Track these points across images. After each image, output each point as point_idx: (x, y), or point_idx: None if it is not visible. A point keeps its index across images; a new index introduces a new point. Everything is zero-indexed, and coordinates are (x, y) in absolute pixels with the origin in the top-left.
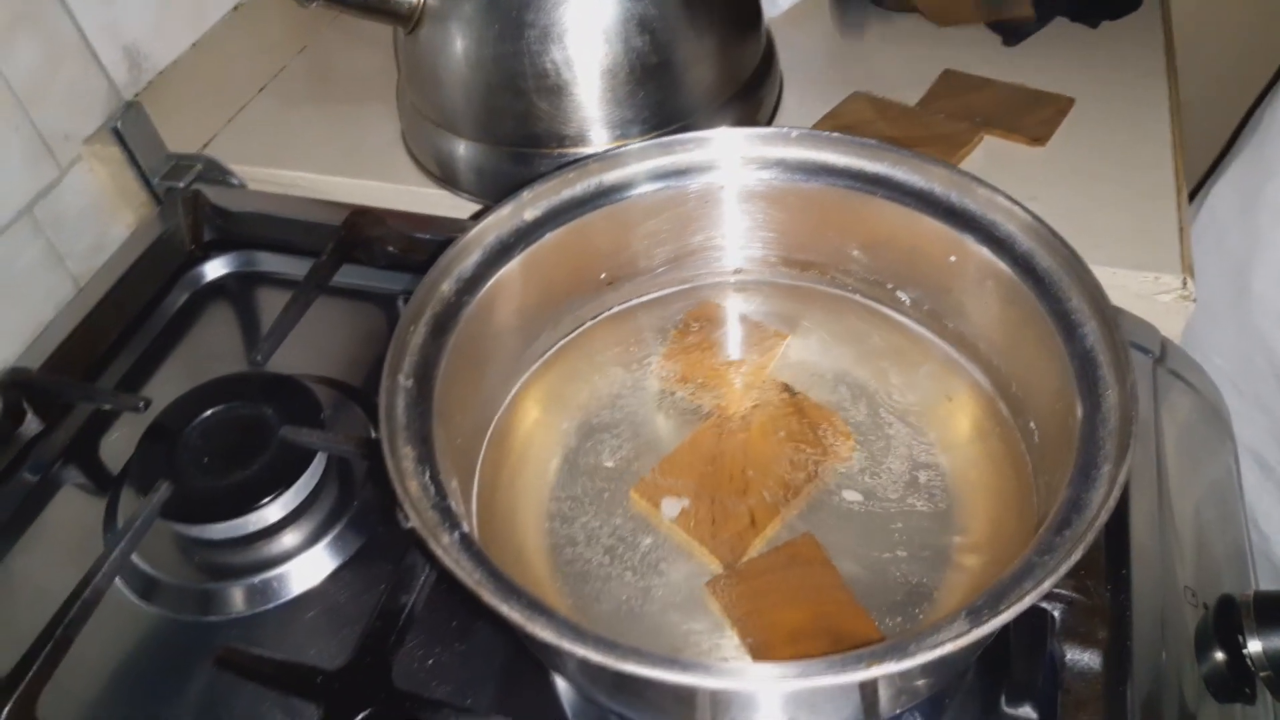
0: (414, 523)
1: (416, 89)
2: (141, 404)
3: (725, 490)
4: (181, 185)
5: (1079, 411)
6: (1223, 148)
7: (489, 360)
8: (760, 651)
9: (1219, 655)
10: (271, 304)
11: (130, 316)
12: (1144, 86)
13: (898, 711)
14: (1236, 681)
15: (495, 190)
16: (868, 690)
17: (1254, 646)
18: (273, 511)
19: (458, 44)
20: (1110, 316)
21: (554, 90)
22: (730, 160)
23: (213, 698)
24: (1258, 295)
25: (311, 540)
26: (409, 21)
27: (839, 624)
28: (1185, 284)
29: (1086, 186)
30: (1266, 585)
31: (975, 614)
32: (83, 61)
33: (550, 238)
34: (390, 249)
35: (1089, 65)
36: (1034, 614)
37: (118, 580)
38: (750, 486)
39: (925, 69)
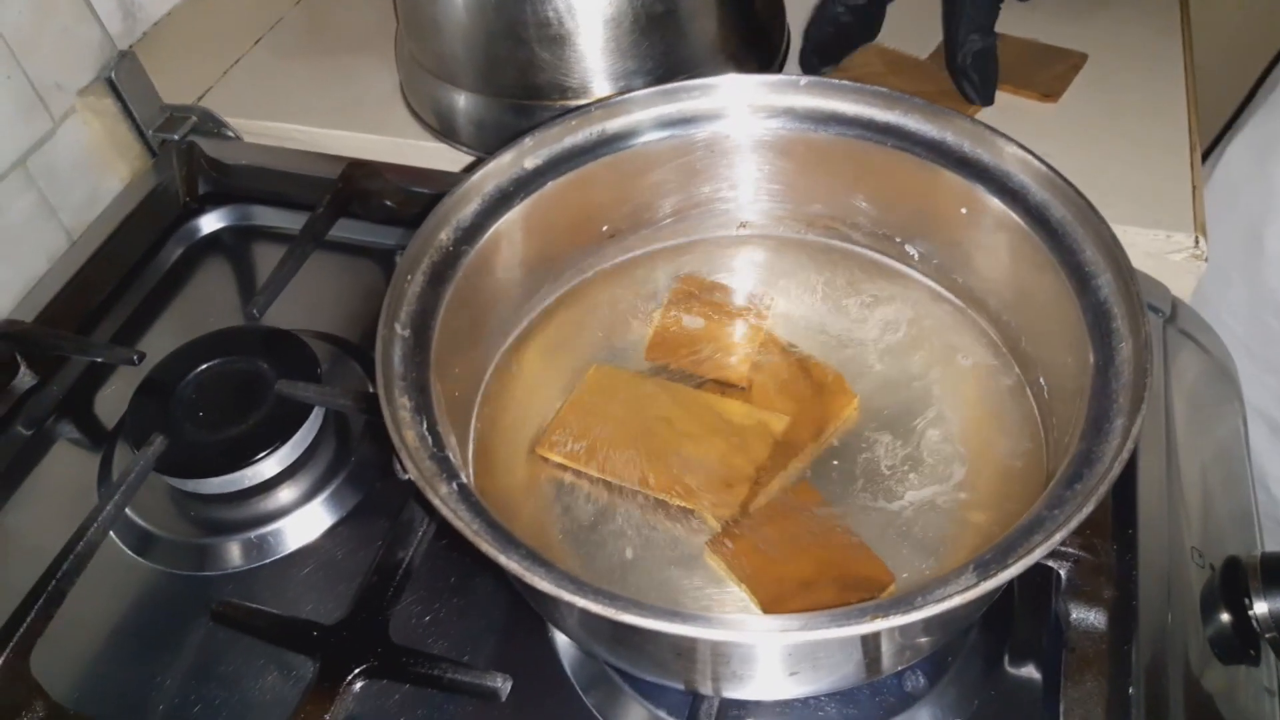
0: (411, 473)
1: (415, 39)
2: (136, 357)
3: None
4: (176, 137)
5: (1091, 364)
6: (1237, 106)
7: (487, 311)
8: (772, 605)
9: (1224, 616)
10: (267, 258)
11: (124, 270)
12: (1158, 43)
13: (900, 668)
14: (1241, 643)
15: (495, 143)
16: (870, 645)
17: (1260, 608)
18: (269, 466)
19: None
20: (1126, 267)
21: (556, 39)
22: (738, 108)
23: (209, 652)
24: (1271, 255)
25: (308, 495)
26: None
27: (848, 569)
28: (1197, 243)
29: (1098, 143)
30: (1273, 547)
31: (983, 567)
32: (76, 10)
33: (551, 187)
34: (388, 203)
35: (1102, 21)
36: (1039, 572)
37: (113, 535)
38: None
39: (937, 23)
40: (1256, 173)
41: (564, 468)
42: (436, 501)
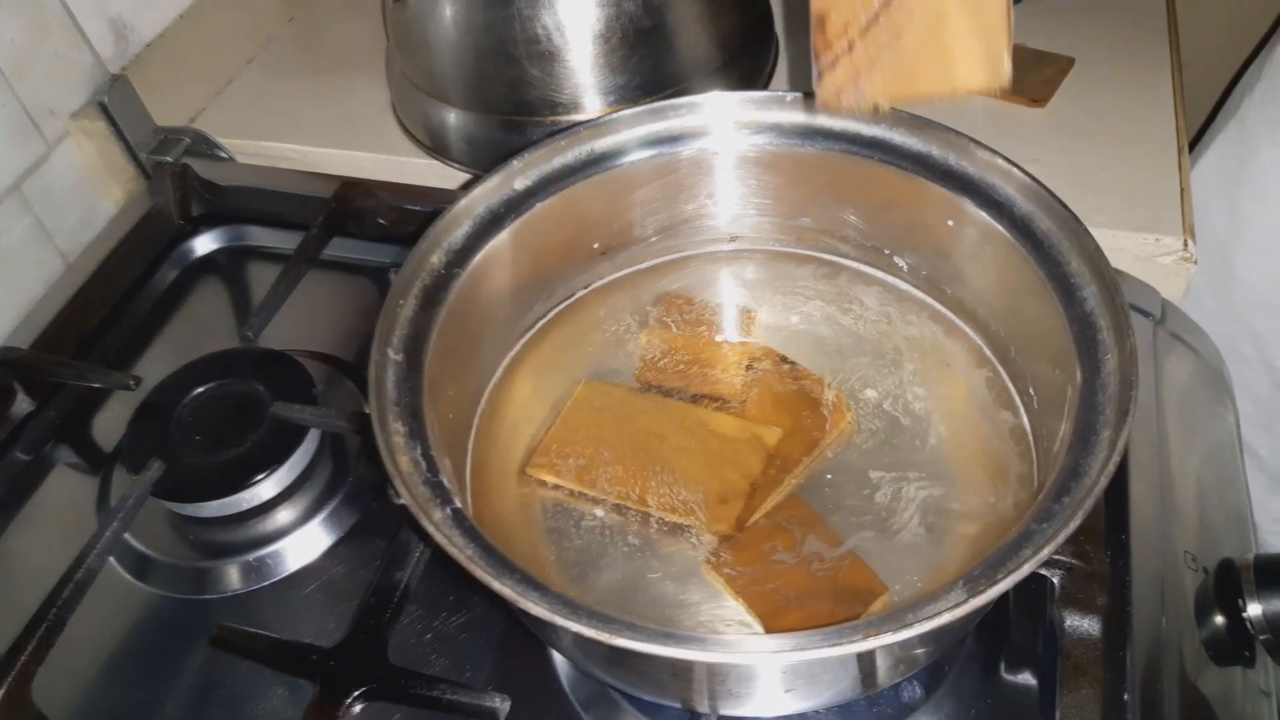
0: (405, 499)
1: (406, 57)
2: (132, 382)
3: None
4: (170, 159)
5: (1078, 376)
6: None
7: (480, 333)
8: (769, 618)
9: (1219, 619)
10: (262, 278)
11: (120, 293)
12: (1145, 46)
13: (896, 680)
14: (1236, 645)
15: (487, 160)
16: (865, 661)
17: (1254, 610)
18: (266, 489)
19: (447, 10)
20: (1111, 279)
21: (546, 56)
22: (724, 126)
23: (208, 676)
24: (1240, 279)
25: (305, 517)
26: None
27: (842, 581)
28: (1186, 246)
29: (1087, 148)
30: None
31: (973, 583)
32: (67, 35)
33: (541, 207)
34: (381, 221)
35: (1090, 25)
36: (1033, 580)
37: (112, 560)
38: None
39: None
40: (1222, 197)
41: (558, 487)
42: (430, 527)
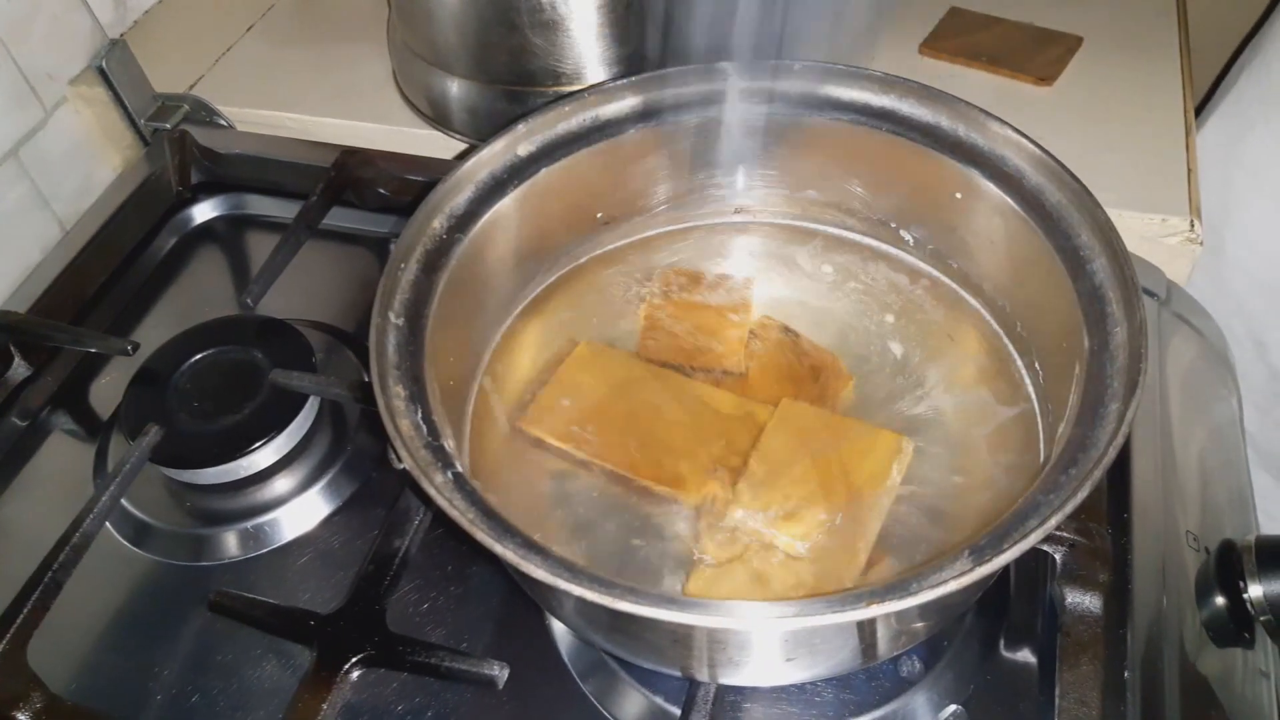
0: (406, 463)
1: (408, 25)
2: (130, 347)
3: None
4: (168, 126)
5: (1086, 349)
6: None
7: (482, 300)
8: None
9: (1219, 600)
10: (261, 247)
11: (118, 260)
12: (1153, 25)
13: (896, 653)
14: (1236, 626)
15: (488, 130)
16: (866, 630)
17: (1254, 591)
18: (264, 456)
19: None
20: (1121, 252)
21: (549, 25)
22: (732, 94)
23: (206, 642)
24: (1233, 258)
25: (304, 485)
26: None
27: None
28: (1193, 226)
29: (1094, 127)
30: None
31: (978, 552)
32: None
33: (545, 174)
34: (381, 191)
35: (1098, 4)
36: (1034, 556)
37: (109, 526)
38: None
39: (932, 6)
40: (1216, 175)
41: (560, 456)
42: (431, 491)
